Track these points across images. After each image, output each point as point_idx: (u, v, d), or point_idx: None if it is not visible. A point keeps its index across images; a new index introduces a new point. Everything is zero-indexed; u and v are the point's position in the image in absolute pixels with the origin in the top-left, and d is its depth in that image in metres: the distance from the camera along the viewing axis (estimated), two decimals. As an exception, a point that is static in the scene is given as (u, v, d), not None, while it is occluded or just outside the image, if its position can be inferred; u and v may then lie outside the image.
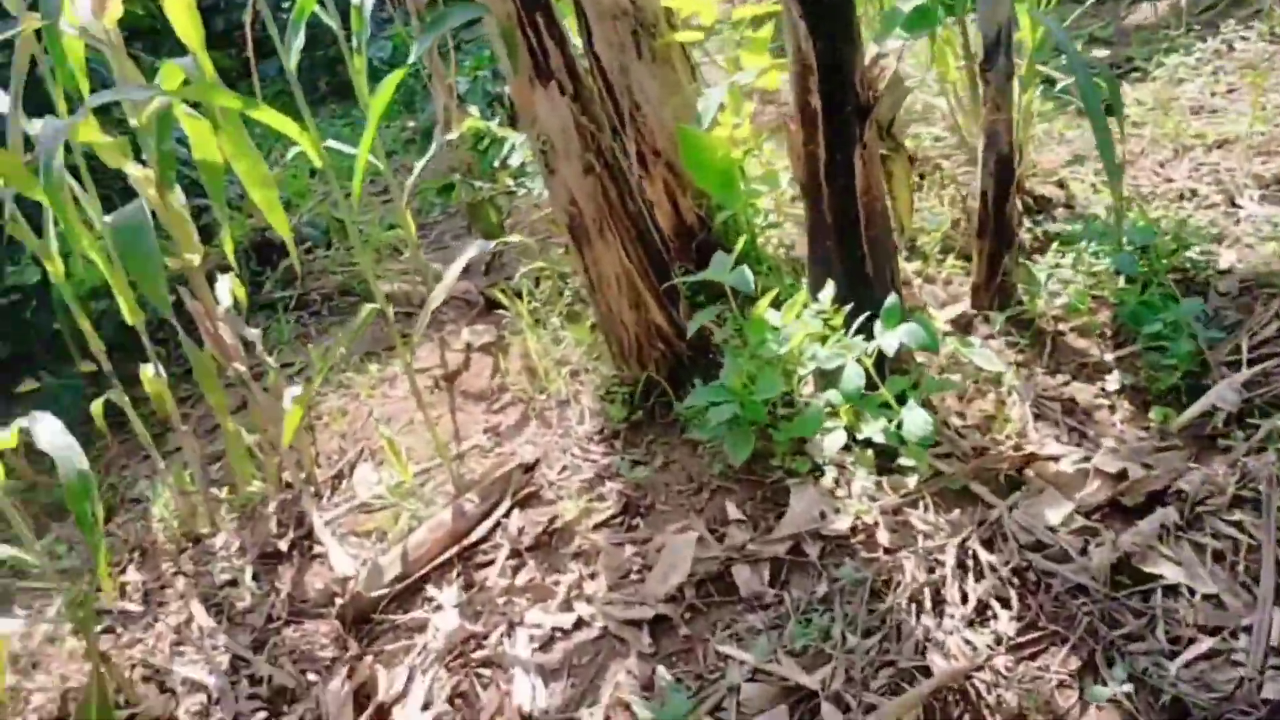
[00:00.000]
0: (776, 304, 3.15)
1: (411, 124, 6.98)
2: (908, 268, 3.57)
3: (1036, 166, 4.18)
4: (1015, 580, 2.39)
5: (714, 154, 3.72)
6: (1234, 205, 3.65)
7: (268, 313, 5.08)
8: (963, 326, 3.29)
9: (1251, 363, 2.86)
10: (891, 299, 2.73)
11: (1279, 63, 4.63)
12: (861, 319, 2.78)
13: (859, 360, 2.70)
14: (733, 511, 2.86)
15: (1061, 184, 4.04)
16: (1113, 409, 2.88)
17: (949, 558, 2.48)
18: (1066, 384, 3.04)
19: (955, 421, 2.97)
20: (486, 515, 3.14)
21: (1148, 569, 2.33)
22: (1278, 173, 3.73)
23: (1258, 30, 4.91)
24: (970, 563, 2.47)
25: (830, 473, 2.86)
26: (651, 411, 3.46)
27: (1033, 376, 3.11)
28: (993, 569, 2.42)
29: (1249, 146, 3.92)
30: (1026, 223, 3.73)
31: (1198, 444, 2.67)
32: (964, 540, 2.51)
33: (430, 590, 2.93)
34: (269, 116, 2.74)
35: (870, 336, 2.74)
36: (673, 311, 3.46)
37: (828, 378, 2.83)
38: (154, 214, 3.16)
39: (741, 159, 3.80)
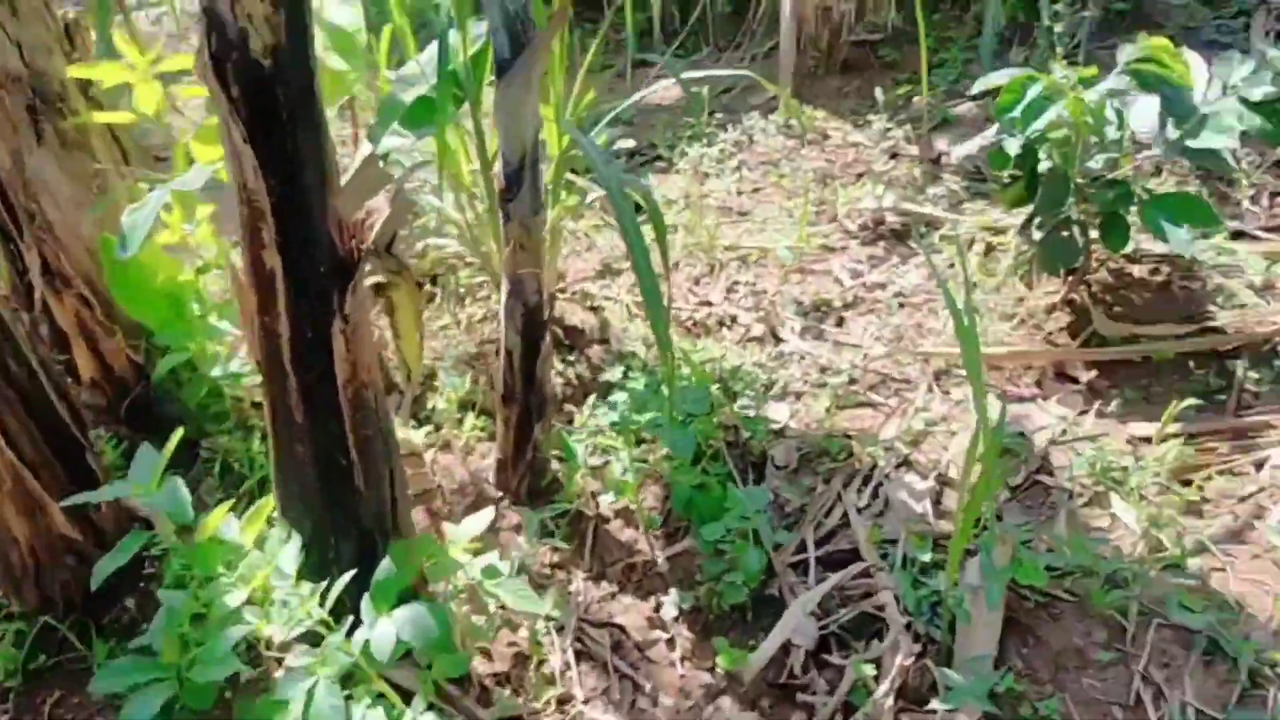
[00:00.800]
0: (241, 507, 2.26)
1: None
2: (416, 436, 2.80)
3: (564, 281, 3.62)
4: None
5: (152, 275, 2.73)
6: (776, 338, 3.32)
7: None
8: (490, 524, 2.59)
9: (821, 564, 2.44)
10: (384, 569, 1.93)
11: (799, 160, 4.48)
12: (348, 577, 1.95)
13: (336, 673, 1.87)
14: None
15: (594, 307, 3.50)
16: (671, 643, 2.32)
17: None
18: (614, 596, 2.45)
19: (480, 668, 2.25)
20: None
21: None
22: (815, 298, 3.45)
23: (775, 122, 4.77)
24: None
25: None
26: (59, 659, 2.40)
27: (573, 582, 2.48)
28: None
29: (782, 266, 3.63)
30: (557, 364, 3.13)
31: (772, 696, 2.17)
32: None
33: None
34: None
35: (357, 609, 1.92)
36: (91, 513, 2.44)
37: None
38: None
39: (195, 280, 2.84)
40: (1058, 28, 4.62)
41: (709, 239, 3.80)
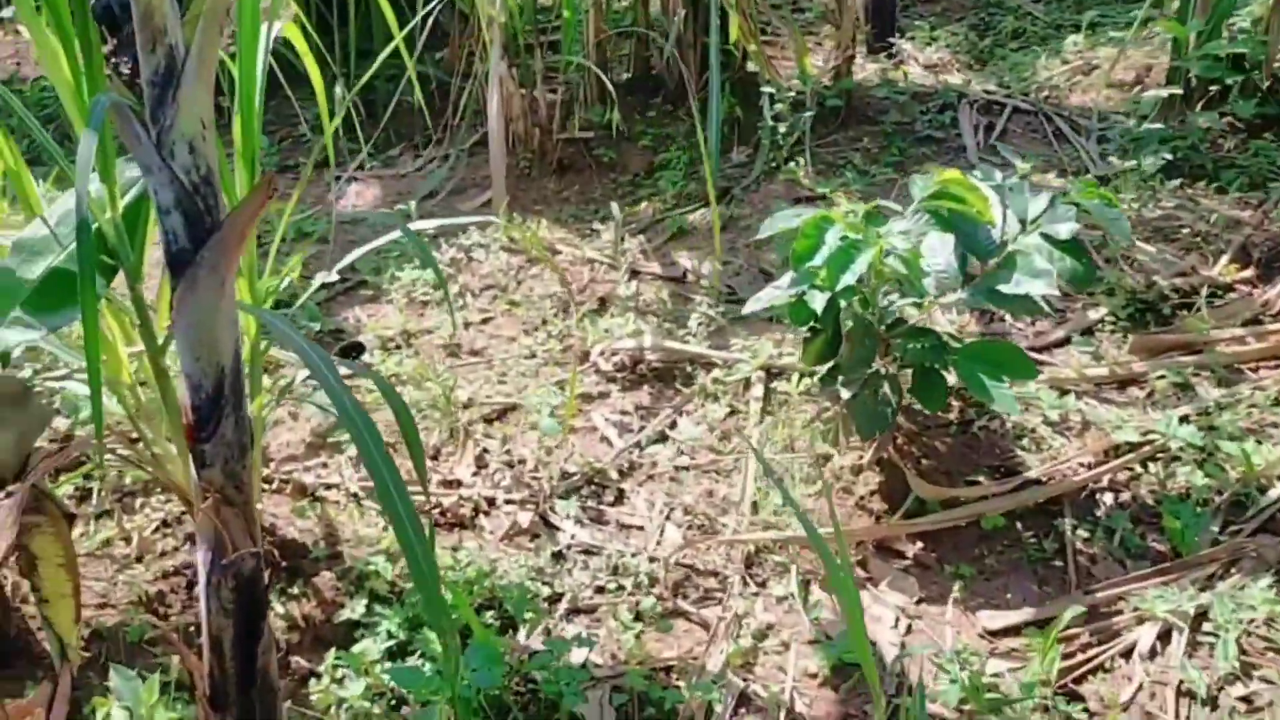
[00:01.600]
0: None
1: None
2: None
3: (269, 466, 2.87)
4: None
5: None
6: (549, 525, 2.74)
7: None
8: None
9: None
10: None
11: (529, 281, 3.94)
12: None
13: None
14: None
15: (313, 498, 2.77)
16: None
17: None
18: None
19: None
20: None
21: None
22: (584, 466, 2.89)
23: (495, 236, 4.21)
24: None
25: None
26: None
27: None
28: None
29: (532, 425, 3.05)
30: (276, 604, 2.38)
31: None
32: None
33: None
34: None
35: None
36: None
37: None
38: None
39: None
40: (781, 127, 4.42)
41: (443, 395, 3.16)
